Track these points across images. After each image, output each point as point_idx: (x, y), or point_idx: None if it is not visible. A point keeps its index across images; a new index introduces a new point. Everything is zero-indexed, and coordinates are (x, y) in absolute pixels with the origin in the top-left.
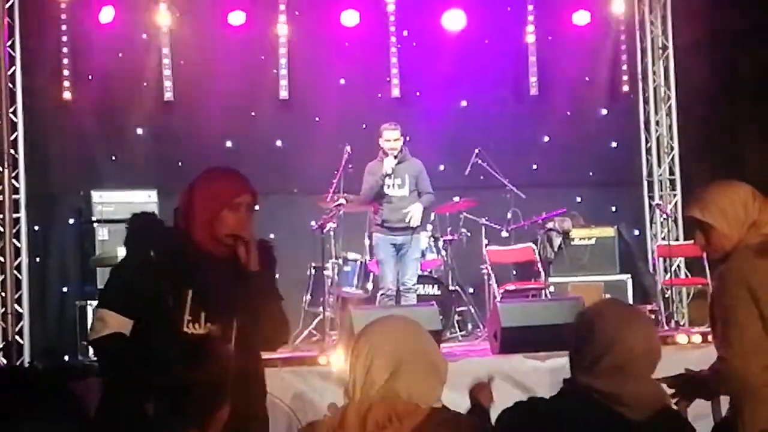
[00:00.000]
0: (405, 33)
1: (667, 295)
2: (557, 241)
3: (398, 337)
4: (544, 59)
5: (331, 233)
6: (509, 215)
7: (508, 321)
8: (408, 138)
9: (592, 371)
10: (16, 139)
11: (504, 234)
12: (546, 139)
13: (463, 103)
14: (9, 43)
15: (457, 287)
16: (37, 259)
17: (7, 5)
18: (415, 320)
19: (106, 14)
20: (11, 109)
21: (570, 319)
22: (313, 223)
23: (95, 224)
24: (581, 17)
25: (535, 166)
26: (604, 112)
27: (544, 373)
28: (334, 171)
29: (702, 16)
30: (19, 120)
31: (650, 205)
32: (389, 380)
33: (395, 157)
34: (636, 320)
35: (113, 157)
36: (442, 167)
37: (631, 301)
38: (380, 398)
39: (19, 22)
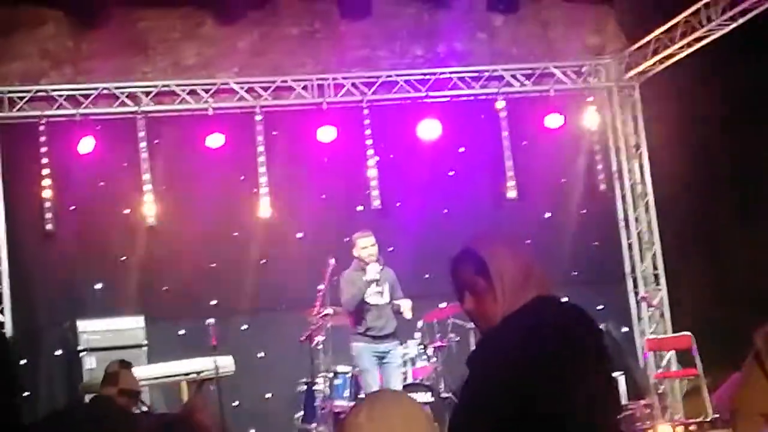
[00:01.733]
0: (382, 145)
1: (660, 390)
2: None
3: (382, 407)
4: (520, 163)
5: (320, 347)
6: None
7: None
8: (392, 248)
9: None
10: None
11: None
12: (527, 241)
13: (444, 211)
14: None
15: (449, 394)
16: (26, 394)
17: None
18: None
19: (86, 144)
20: None
21: None
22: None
23: (82, 353)
24: (554, 120)
25: None
26: (584, 211)
27: None
28: (319, 285)
29: (672, 111)
30: (3, 255)
31: (636, 301)
32: None
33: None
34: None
35: (98, 286)
36: (426, 275)
37: (625, 399)
38: None
39: (0, 158)
